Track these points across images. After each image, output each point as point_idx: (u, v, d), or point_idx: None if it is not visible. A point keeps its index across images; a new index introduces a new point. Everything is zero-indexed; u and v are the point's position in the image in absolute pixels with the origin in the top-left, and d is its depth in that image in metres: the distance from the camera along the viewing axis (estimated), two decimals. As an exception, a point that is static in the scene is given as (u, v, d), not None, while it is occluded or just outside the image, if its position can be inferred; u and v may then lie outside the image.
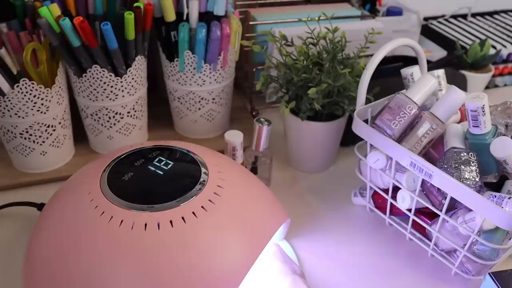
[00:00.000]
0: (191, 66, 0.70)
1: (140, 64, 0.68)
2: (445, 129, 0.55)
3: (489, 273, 0.46)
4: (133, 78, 0.68)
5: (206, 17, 0.70)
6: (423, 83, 0.55)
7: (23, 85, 0.61)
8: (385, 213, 0.62)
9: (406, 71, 0.60)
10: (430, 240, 0.57)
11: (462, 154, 0.50)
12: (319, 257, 0.59)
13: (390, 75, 0.67)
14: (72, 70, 0.66)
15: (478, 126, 0.50)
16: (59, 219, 0.45)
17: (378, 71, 0.57)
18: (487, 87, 0.97)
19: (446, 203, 0.51)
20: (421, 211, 0.58)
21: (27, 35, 0.62)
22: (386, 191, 0.59)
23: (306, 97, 0.64)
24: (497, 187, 0.53)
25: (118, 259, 0.41)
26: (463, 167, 0.49)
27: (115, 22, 0.62)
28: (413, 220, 0.58)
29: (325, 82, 0.63)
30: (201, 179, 0.46)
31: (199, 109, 0.75)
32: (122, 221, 0.42)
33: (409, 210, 0.57)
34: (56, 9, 0.60)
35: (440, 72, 0.61)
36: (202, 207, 0.44)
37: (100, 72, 0.65)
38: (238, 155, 0.62)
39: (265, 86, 0.67)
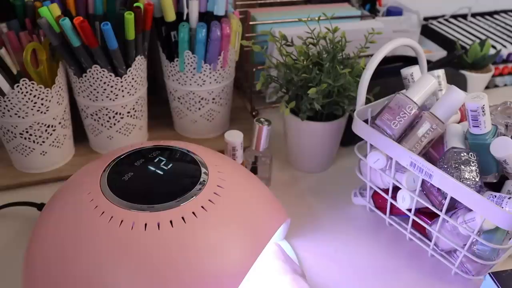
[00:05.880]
0: (191, 66, 0.70)
1: (140, 64, 0.68)
2: (445, 129, 0.55)
3: (489, 273, 0.46)
4: (133, 78, 0.68)
5: (206, 17, 0.70)
6: (423, 83, 0.55)
7: (23, 85, 0.61)
8: (385, 213, 0.62)
9: (406, 71, 0.60)
10: (430, 240, 0.57)
11: (462, 154, 0.50)
12: (319, 257, 0.59)
13: (390, 75, 0.67)
14: (72, 70, 0.66)
15: (478, 126, 0.50)
16: (59, 219, 0.45)
17: (378, 71, 0.57)
18: (487, 87, 0.97)
19: (446, 203, 0.51)
20: (421, 211, 0.58)
21: (27, 35, 0.62)
22: (386, 191, 0.59)
23: (306, 97, 0.64)
24: (497, 187, 0.53)
25: (118, 259, 0.41)
26: (463, 167, 0.49)
27: (115, 22, 0.62)
28: (413, 220, 0.58)
29: (325, 82, 0.63)
30: (201, 179, 0.46)
31: (199, 109, 0.75)
32: (122, 221, 0.42)
33: (409, 210, 0.57)
34: (56, 9, 0.60)
35: (440, 72, 0.60)
36: (202, 207, 0.43)
37: (100, 72, 0.65)
38: (238, 155, 0.62)
39: (265, 86, 0.67)
